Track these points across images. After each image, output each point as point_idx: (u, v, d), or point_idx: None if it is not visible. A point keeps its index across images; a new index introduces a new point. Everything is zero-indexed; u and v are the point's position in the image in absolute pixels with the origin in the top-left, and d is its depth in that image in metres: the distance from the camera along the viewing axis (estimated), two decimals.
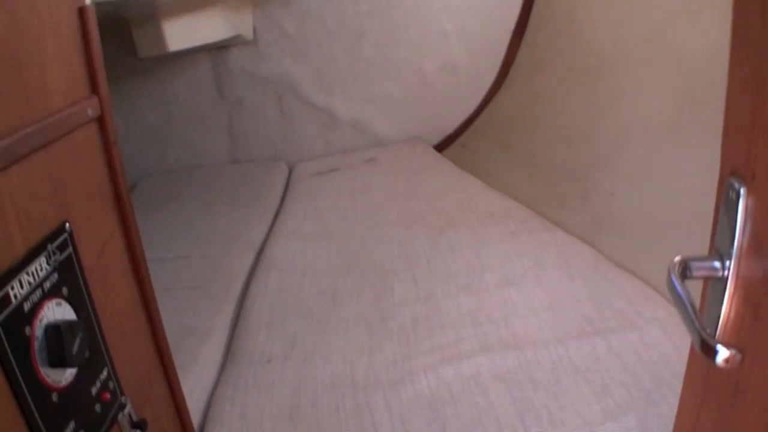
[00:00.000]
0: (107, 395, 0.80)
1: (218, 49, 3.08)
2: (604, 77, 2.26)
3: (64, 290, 0.73)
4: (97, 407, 0.78)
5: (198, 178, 3.21)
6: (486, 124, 3.04)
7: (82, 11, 0.89)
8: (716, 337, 0.57)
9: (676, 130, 1.83)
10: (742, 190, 0.52)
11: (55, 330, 0.69)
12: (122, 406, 0.84)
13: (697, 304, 0.62)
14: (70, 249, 0.76)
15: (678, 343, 1.39)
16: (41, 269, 0.69)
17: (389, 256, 2.04)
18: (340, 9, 2.94)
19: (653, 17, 2.04)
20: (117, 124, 2.95)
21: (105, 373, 0.81)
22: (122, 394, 0.85)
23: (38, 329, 0.67)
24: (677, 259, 0.58)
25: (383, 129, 3.16)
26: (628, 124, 2.07)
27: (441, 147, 3.15)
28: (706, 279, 0.60)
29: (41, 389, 0.66)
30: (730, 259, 0.54)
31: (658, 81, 1.97)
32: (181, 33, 2.52)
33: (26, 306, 0.65)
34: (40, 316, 0.68)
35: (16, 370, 0.62)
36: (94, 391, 0.77)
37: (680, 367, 0.70)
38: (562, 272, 1.75)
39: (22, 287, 0.65)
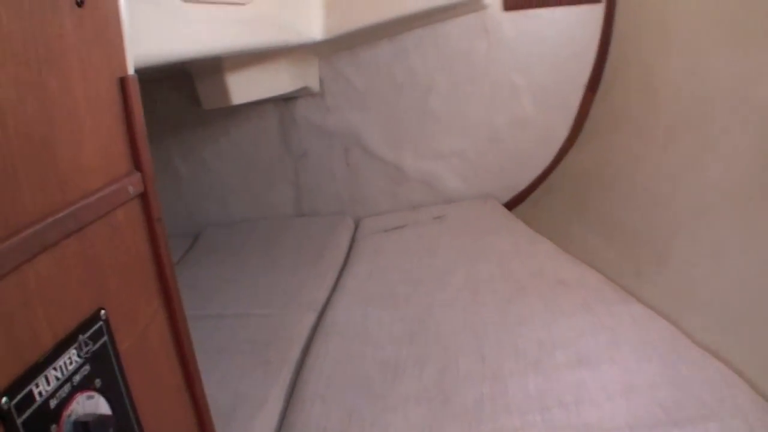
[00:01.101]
0: None
1: (284, 100, 3.10)
2: (683, 136, 2.18)
3: (97, 382, 0.71)
4: None
5: (262, 231, 3.22)
6: (558, 182, 2.98)
7: (123, 82, 0.86)
8: None
9: (765, 196, 1.74)
10: None
11: (83, 427, 0.66)
12: None
13: None
14: (105, 338, 0.73)
15: None
16: (70, 362, 0.66)
17: (455, 326, 1.98)
18: (408, 62, 2.93)
19: (736, 72, 1.95)
20: (182, 173, 2.96)
21: None
22: None
23: (66, 426, 0.64)
24: None
25: (452, 185, 3.12)
26: (711, 188, 1.98)
27: (511, 205, 3.09)
28: None
29: None
30: None
31: (744, 142, 1.88)
32: (246, 86, 2.54)
33: (52, 403, 0.63)
34: (68, 412, 0.65)
35: None
36: None
37: None
38: (638, 351, 1.66)
39: (48, 383, 0.63)
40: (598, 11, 2.80)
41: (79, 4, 0.75)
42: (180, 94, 3.13)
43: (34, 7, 0.66)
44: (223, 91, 2.49)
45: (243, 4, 2.01)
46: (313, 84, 2.99)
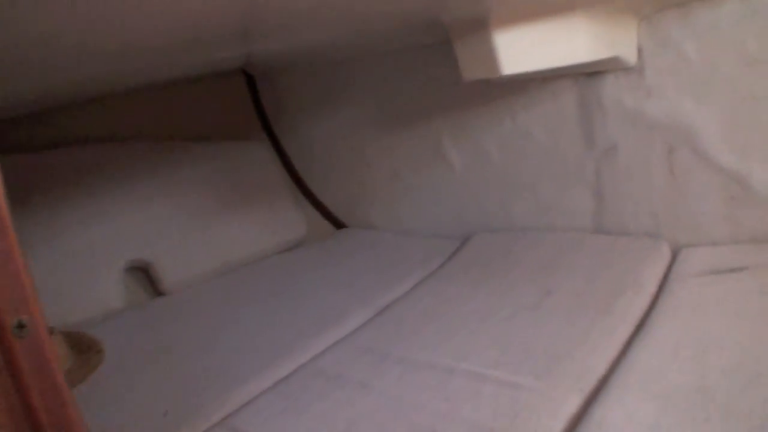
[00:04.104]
0: None
1: (587, 74, 2.43)
2: None
3: None
4: None
5: (545, 247, 2.61)
6: None
7: None
8: None
9: None
10: None
11: None
12: None
13: None
14: None
15: None
16: None
17: None
18: (766, 28, 2.06)
19: None
20: (454, 162, 2.37)
21: None
22: None
23: None
24: None
25: None
26: None
27: None
28: None
29: None
30: None
31: None
32: (524, 50, 1.94)
33: None
34: None
35: None
36: None
37: None
38: None
39: None
40: None
41: None
42: (455, 63, 2.59)
43: None
44: (490, 57, 1.92)
45: None
46: (628, 54, 2.27)
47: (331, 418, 1.73)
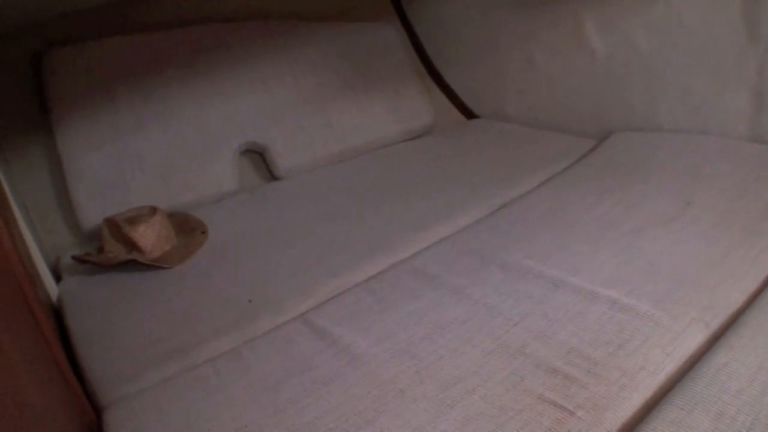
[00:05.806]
0: None
1: None
2: None
3: None
4: None
5: (691, 153, 2.30)
6: None
7: None
8: None
9: None
10: None
11: None
12: None
13: None
14: None
15: None
16: None
17: None
18: None
19: None
20: (596, 49, 2.00)
21: None
22: None
23: None
24: None
25: None
26: None
27: None
28: None
29: None
30: None
31: None
32: None
33: None
34: None
35: None
36: None
37: None
38: None
39: None
40: None
41: None
42: None
43: None
44: None
45: None
46: None
47: (414, 321, 1.59)
